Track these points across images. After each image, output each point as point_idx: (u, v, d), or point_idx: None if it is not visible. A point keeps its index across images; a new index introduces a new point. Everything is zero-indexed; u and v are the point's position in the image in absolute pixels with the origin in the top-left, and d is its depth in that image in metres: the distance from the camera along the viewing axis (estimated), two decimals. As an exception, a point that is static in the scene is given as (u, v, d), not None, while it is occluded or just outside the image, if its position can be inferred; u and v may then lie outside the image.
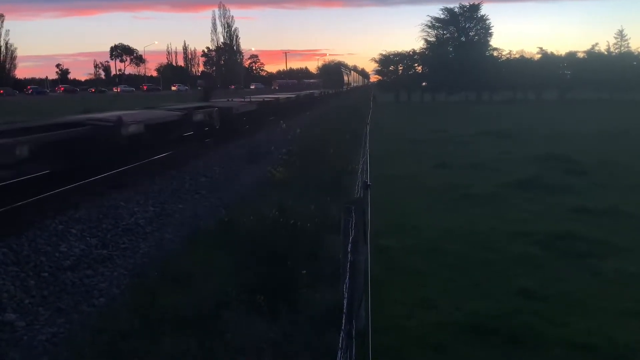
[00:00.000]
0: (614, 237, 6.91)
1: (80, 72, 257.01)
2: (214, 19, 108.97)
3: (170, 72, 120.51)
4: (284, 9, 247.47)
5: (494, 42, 66.37)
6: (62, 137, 9.25)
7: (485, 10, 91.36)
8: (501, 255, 6.29)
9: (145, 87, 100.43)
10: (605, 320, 4.61)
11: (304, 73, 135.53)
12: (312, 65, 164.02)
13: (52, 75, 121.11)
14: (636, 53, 56.23)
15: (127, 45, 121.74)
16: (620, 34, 56.60)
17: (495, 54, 57.87)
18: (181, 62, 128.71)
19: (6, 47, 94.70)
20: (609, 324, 4.55)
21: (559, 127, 22.51)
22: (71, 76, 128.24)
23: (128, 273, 5.90)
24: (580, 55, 56.04)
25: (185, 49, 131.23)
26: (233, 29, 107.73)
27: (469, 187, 10.06)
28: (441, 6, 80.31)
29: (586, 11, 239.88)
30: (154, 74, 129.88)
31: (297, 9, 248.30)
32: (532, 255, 6.27)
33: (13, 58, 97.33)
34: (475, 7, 56.63)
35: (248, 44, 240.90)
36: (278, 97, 28.41)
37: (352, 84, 79.58)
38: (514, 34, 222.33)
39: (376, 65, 59.38)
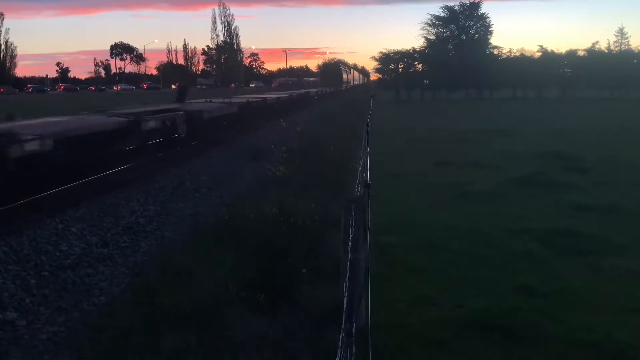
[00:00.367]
0: (614, 234, 6.91)
1: (81, 71, 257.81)
2: (214, 17, 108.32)
3: (171, 71, 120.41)
4: (284, 7, 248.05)
5: (494, 40, 66.59)
6: None
7: (485, 8, 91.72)
8: (502, 252, 6.29)
9: (145, 86, 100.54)
10: (606, 317, 4.61)
11: (304, 71, 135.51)
12: (313, 64, 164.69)
13: (53, 73, 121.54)
14: (636, 51, 56.04)
15: (127, 44, 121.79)
16: (621, 32, 56.52)
17: (495, 52, 57.80)
18: (181, 61, 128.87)
19: (6, 46, 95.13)
20: (609, 320, 4.54)
21: (560, 124, 22.48)
22: (71, 75, 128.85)
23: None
24: (581, 53, 55.92)
25: (185, 47, 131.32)
26: (233, 27, 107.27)
27: (470, 185, 10.06)
28: (441, 4, 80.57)
29: (586, 9, 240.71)
30: (154, 72, 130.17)
31: (297, 7, 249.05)
32: (532, 252, 6.26)
33: (13, 56, 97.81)
34: (475, 5, 56.56)
35: (248, 42, 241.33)
36: (265, 98, 24.39)
37: (352, 83, 79.33)
38: (514, 32, 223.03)
39: (376, 63, 59.30)
